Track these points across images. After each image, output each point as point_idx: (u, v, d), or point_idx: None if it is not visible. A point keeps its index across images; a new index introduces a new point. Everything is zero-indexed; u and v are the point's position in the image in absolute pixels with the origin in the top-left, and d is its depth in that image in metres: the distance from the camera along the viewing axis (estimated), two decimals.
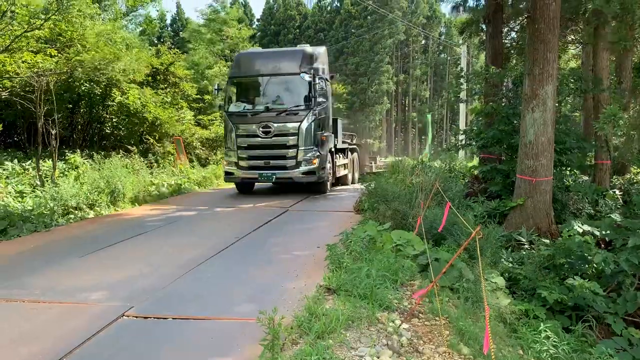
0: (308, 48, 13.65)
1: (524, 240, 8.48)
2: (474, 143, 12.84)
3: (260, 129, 12.61)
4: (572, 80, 12.37)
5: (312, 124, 12.62)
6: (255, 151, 12.77)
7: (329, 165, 13.48)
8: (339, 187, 15.73)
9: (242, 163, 12.87)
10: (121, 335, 4.32)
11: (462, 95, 17.02)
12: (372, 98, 57.01)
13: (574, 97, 15.40)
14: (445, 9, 69.95)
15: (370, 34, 57.05)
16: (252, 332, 4.16)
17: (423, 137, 62.89)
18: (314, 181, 12.82)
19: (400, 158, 18.37)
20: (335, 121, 15.01)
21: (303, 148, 12.51)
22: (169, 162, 18.91)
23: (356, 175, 18.36)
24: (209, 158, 23.02)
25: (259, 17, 67.28)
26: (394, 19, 56.32)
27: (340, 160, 15.48)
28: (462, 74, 16.20)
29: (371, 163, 22.61)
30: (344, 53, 58.88)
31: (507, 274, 7.05)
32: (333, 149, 14.18)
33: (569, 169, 11.50)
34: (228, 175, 13.27)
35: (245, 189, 14.02)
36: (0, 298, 5.23)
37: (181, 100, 23.08)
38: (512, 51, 16.19)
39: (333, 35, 59.85)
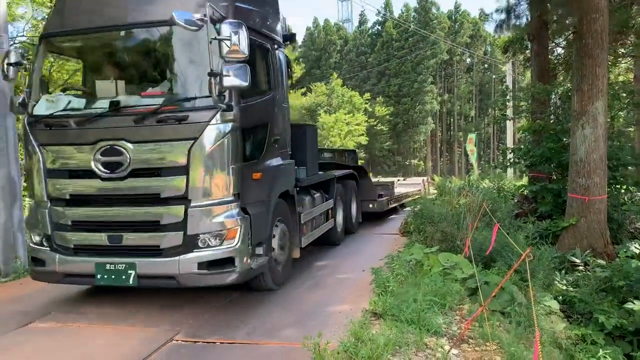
0: None
1: (578, 261, 8.16)
2: (522, 162, 12.55)
3: (99, 157, 5.34)
4: (623, 95, 11.97)
5: (228, 141, 5.25)
6: (88, 210, 5.50)
7: (279, 234, 6.38)
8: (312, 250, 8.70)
9: (61, 238, 5.53)
10: None
11: (509, 112, 16.73)
12: (416, 118, 56.67)
13: (628, 112, 14.86)
14: (489, 27, 69.27)
15: (413, 55, 57.04)
16: (298, 357, 4.15)
17: (469, 158, 61.90)
18: (233, 282, 5.34)
19: (446, 178, 17.98)
20: (302, 131, 7.96)
21: (202, 204, 5.23)
22: None
23: (355, 219, 10.90)
24: None
25: (300, 43, 68.50)
26: (436, 40, 56.21)
27: (312, 209, 7.80)
28: (508, 91, 15.96)
29: (376, 200, 11.91)
30: (386, 75, 59.01)
31: (561, 297, 6.79)
32: (294, 192, 6.92)
33: (624, 186, 11.05)
34: (36, 266, 5.70)
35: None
36: (57, 322, 5.41)
37: None
38: (560, 67, 15.84)
39: (375, 58, 60.15)
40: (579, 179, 8.91)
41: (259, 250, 5.60)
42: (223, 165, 5.21)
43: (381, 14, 63.57)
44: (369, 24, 67.58)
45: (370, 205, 11.76)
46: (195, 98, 5.19)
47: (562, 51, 16.02)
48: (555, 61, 15.80)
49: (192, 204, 5.15)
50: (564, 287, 7.08)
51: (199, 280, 5.16)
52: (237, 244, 5.20)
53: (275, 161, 6.30)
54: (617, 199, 10.43)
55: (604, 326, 6.09)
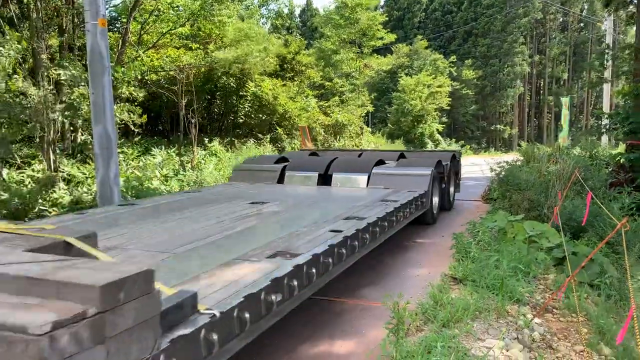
0: None
1: None
2: (620, 128, 11.69)
3: None
4: None
5: None
6: None
7: None
8: None
9: None
10: None
11: (607, 74, 15.52)
12: (504, 81, 54.03)
13: None
14: None
15: (503, 14, 54.01)
16: (376, 316, 4.21)
17: (559, 123, 58.47)
18: None
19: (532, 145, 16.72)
20: None
21: None
22: (294, 149, 19.66)
23: None
24: (331, 145, 23.55)
25: (382, 4, 66.73)
26: None
27: None
28: (607, 50, 14.79)
29: None
30: (473, 34, 56.41)
31: None
32: None
33: None
34: None
35: None
36: None
37: (307, 89, 23.86)
38: None
39: (462, 17, 57.56)
40: None
41: None
42: None
43: None
44: None
45: None
46: None
47: None
48: None
49: None
50: None
51: None
52: None
53: None
54: None
55: None
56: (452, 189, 9.72)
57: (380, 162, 8.60)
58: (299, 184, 8.03)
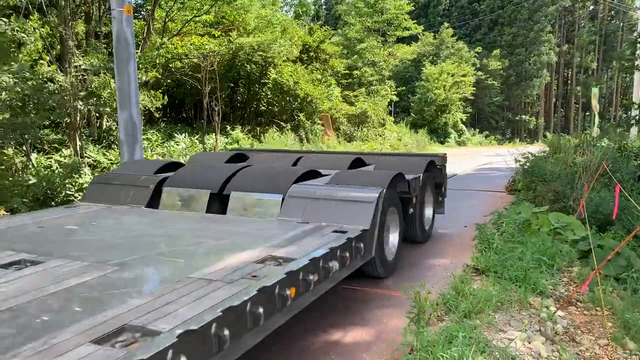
0: None
1: None
2: None
3: None
4: None
5: None
6: None
7: None
8: None
9: None
10: None
11: (638, 63, 15.12)
12: (530, 71, 53.05)
13: None
14: None
15: (530, 2, 52.90)
16: (396, 305, 4.20)
17: (587, 114, 57.36)
18: None
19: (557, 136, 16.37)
20: None
21: None
22: (317, 137, 19.68)
23: None
24: (354, 134, 23.47)
25: None
26: None
27: None
28: (639, 39, 14.39)
29: None
30: (499, 23, 55.43)
31: None
32: None
33: None
34: None
35: None
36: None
37: (330, 78, 23.79)
38: None
39: (488, 5, 56.56)
40: None
41: None
42: None
43: None
44: None
45: None
46: None
47: None
48: None
49: None
50: None
51: None
52: None
53: None
54: None
55: None
56: (428, 212, 6.74)
57: (312, 174, 5.62)
58: (180, 208, 5.22)
